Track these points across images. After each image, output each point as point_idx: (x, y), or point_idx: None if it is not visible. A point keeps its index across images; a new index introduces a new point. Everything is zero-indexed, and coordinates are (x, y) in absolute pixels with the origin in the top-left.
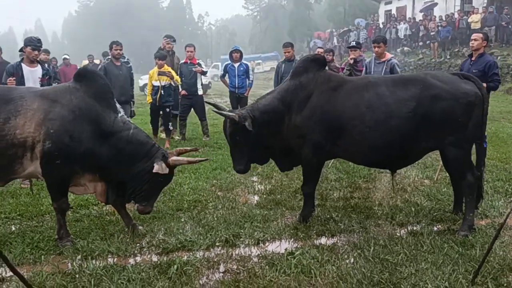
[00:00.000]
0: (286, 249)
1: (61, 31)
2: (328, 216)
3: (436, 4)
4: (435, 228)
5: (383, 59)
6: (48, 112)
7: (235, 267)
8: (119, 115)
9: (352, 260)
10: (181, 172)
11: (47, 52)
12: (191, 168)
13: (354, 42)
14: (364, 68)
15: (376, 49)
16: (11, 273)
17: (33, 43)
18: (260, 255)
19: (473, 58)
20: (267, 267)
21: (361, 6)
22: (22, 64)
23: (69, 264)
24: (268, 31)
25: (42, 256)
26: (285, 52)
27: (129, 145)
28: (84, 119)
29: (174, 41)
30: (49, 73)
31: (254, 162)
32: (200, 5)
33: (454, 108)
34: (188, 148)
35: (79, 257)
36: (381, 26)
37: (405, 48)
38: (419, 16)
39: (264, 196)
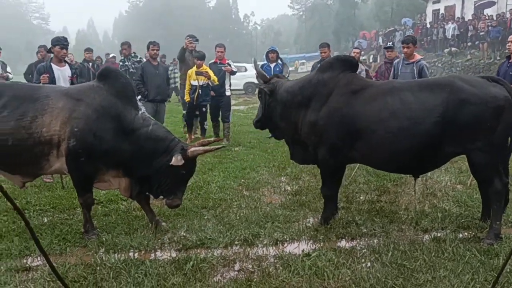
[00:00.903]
0: (303, 251)
1: (112, 31)
2: (351, 219)
3: (494, 3)
4: (460, 235)
5: (412, 60)
6: (73, 111)
7: (250, 266)
8: (140, 112)
9: (368, 264)
10: (210, 170)
11: (90, 50)
12: (220, 167)
13: (390, 43)
14: (392, 69)
15: (405, 49)
16: (37, 263)
17: (61, 42)
18: (277, 256)
19: (510, 60)
20: (281, 267)
21: (408, 5)
22: (52, 64)
23: (92, 257)
24: (313, 31)
25: (68, 248)
26: (321, 52)
27: (149, 141)
28: (107, 118)
29: (197, 40)
30: (77, 72)
31: (267, 128)
32: (246, 5)
33: (483, 113)
34: (212, 139)
35: (102, 250)
36: (428, 25)
37: (453, 49)
38: (468, 16)
39: (289, 196)
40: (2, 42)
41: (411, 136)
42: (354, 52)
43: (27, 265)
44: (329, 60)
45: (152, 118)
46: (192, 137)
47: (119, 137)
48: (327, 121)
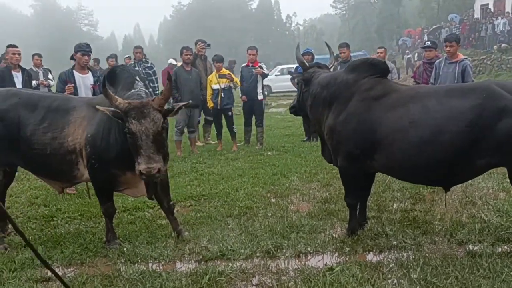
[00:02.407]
0: (326, 264)
1: (157, 35)
2: (381, 229)
3: None
4: (499, 249)
5: (455, 60)
6: (91, 118)
7: (269, 280)
8: (130, 92)
9: (394, 281)
10: (240, 176)
11: (113, 57)
12: (251, 172)
13: (428, 42)
14: (433, 69)
15: (448, 48)
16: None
17: (83, 49)
18: (298, 269)
19: None
20: (301, 282)
21: (456, 0)
22: (74, 72)
23: (110, 268)
24: (356, 30)
25: (88, 258)
26: (340, 53)
27: None
28: (112, 120)
29: (209, 45)
30: (100, 79)
31: (300, 115)
32: (288, 5)
33: None
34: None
35: (122, 260)
36: (476, 21)
37: (503, 45)
38: None
39: (318, 204)
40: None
41: (433, 148)
42: (378, 53)
43: (47, 275)
44: (356, 62)
45: (144, 95)
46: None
47: (120, 133)
48: (344, 128)
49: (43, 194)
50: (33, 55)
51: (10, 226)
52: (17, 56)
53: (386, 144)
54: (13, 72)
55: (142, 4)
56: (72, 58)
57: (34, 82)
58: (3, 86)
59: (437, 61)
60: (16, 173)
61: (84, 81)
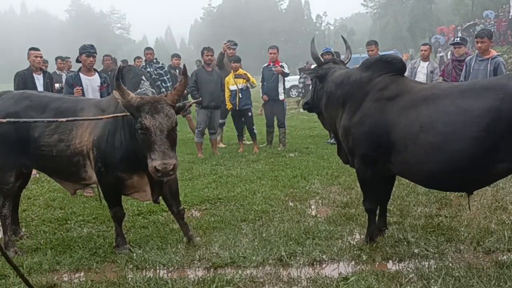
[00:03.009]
0: (340, 274)
1: (188, 38)
2: (402, 236)
3: None
4: None
5: (487, 56)
6: (97, 121)
7: None
8: (137, 91)
9: None
10: (260, 179)
11: (178, 56)
12: (270, 175)
13: (458, 39)
14: (463, 67)
15: (479, 44)
16: (64, 279)
17: (87, 50)
18: (310, 279)
19: None
20: None
21: None
22: (80, 74)
23: (116, 274)
24: (387, 28)
25: (96, 264)
26: (368, 51)
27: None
28: (118, 122)
29: (236, 45)
30: (107, 80)
31: (314, 111)
32: (318, 5)
33: None
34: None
35: (130, 266)
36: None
37: None
38: None
39: (338, 209)
40: None
41: (445, 154)
42: (422, 50)
43: (54, 281)
44: (371, 60)
45: (153, 91)
46: (243, 144)
47: (125, 134)
48: (358, 130)
49: (60, 196)
50: (56, 58)
51: (23, 229)
52: (39, 59)
53: (400, 148)
54: (34, 75)
55: (173, 7)
56: (77, 60)
57: (57, 85)
58: (25, 89)
59: (468, 58)
60: (37, 175)
61: (91, 83)
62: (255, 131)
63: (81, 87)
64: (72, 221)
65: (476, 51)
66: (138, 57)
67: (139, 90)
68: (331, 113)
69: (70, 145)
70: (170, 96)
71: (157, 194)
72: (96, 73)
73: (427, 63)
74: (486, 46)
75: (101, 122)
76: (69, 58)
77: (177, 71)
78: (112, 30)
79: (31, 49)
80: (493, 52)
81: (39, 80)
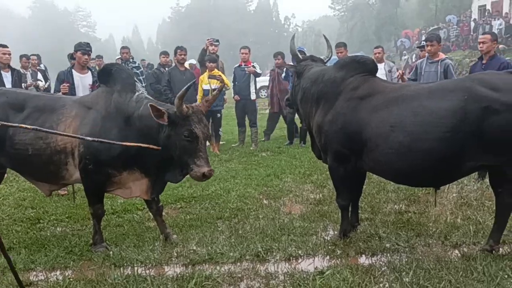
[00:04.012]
0: (316, 268)
1: (155, 37)
2: (374, 232)
3: None
4: (494, 252)
5: (437, 59)
6: (83, 118)
7: (257, 285)
8: (135, 94)
9: (386, 285)
10: (233, 178)
11: (100, 57)
12: (244, 174)
13: (423, 41)
14: (415, 69)
15: (429, 47)
16: (40, 278)
17: (83, 48)
18: (288, 273)
19: (483, 62)
20: (291, 287)
21: (454, 1)
22: (73, 71)
23: (94, 272)
24: (354, 31)
25: (72, 262)
26: (337, 52)
27: (142, 120)
28: (111, 120)
29: (217, 41)
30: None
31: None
32: (286, 7)
33: None
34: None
35: (108, 264)
36: (472, 23)
37: (500, 46)
38: None
39: (311, 206)
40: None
41: (415, 154)
42: (375, 53)
43: (29, 279)
44: (345, 60)
45: (150, 97)
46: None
47: (123, 134)
48: (331, 127)
49: (31, 196)
50: (21, 57)
51: None
52: (7, 56)
53: (371, 146)
54: (2, 72)
55: (140, 6)
56: (72, 57)
57: (40, 83)
58: None
59: (419, 61)
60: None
61: (83, 81)
62: (220, 133)
63: (69, 84)
64: (45, 220)
65: (427, 54)
66: (99, 56)
67: (137, 93)
68: (306, 109)
69: (50, 143)
70: (203, 107)
71: (157, 192)
72: (90, 72)
73: (383, 64)
74: (436, 49)
75: (87, 119)
76: (35, 55)
77: (166, 69)
78: (77, 28)
79: None
80: (442, 55)
81: (7, 77)
